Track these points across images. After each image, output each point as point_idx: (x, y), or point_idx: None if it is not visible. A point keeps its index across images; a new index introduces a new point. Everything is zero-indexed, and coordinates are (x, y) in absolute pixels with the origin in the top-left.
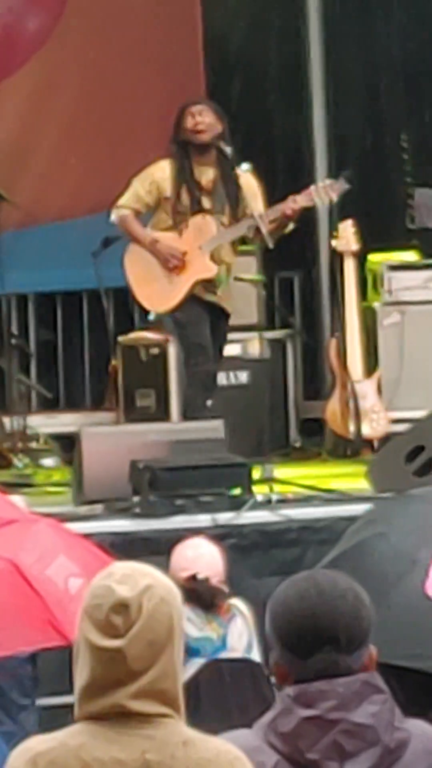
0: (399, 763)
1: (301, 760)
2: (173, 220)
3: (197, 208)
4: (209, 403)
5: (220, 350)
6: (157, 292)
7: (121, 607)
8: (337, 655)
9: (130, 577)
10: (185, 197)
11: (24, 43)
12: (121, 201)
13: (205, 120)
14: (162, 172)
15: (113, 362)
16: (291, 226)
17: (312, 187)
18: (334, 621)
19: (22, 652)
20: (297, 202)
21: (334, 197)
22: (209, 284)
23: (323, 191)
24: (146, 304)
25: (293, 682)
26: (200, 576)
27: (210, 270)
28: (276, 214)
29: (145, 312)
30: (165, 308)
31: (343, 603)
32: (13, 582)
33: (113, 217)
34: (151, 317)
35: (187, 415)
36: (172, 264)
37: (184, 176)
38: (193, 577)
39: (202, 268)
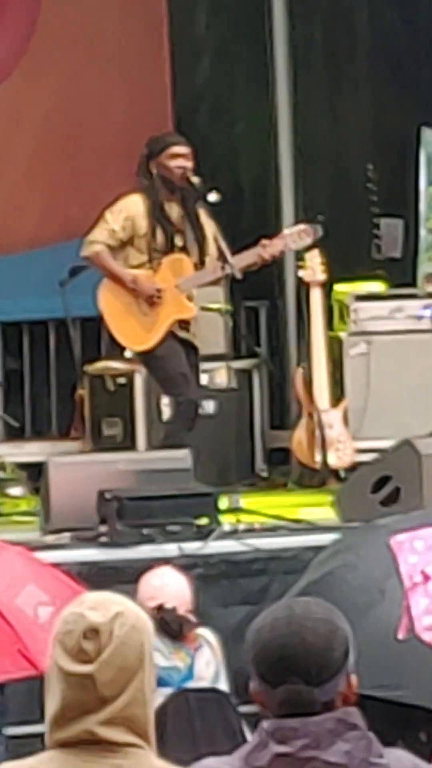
0: None
1: None
2: (148, 257)
3: (171, 247)
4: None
5: (198, 382)
6: (134, 330)
7: (92, 632)
8: (304, 686)
9: (102, 604)
10: (160, 235)
11: None
12: (94, 236)
13: (188, 164)
14: (136, 207)
15: (80, 391)
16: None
17: (286, 232)
18: (302, 652)
19: None
20: (273, 247)
21: (309, 242)
22: (184, 322)
23: (297, 236)
24: (123, 342)
25: (270, 711)
26: (167, 605)
27: (189, 310)
28: (249, 261)
29: (122, 349)
30: (143, 347)
31: (313, 634)
32: None
33: (85, 252)
34: (128, 354)
35: (168, 444)
36: (153, 302)
37: (157, 213)
38: (161, 607)
39: (180, 308)
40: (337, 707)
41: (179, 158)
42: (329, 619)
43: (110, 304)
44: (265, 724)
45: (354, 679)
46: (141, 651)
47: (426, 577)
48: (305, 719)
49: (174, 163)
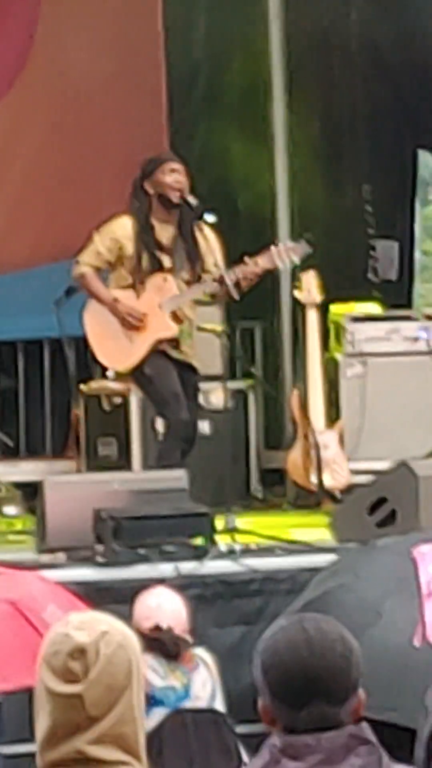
0: None
1: None
2: (132, 279)
3: (157, 267)
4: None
5: (196, 403)
6: (117, 351)
7: (79, 652)
8: (327, 707)
9: (87, 624)
10: (145, 258)
11: None
12: (82, 257)
13: (184, 180)
14: (124, 230)
15: (75, 411)
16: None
17: (273, 249)
18: (324, 675)
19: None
20: (258, 264)
21: (296, 260)
22: (172, 342)
23: (284, 253)
24: (105, 362)
25: (282, 728)
26: (164, 625)
27: (170, 329)
28: (237, 277)
29: (104, 369)
30: (124, 367)
31: (333, 654)
32: (16, 622)
33: (73, 273)
34: (110, 375)
35: (161, 465)
36: (132, 324)
37: (144, 237)
38: (157, 627)
39: (162, 327)
40: (348, 723)
41: (174, 173)
42: (344, 637)
43: (93, 325)
44: (276, 741)
45: (362, 694)
46: (128, 669)
47: None
48: (318, 735)
49: (170, 179)
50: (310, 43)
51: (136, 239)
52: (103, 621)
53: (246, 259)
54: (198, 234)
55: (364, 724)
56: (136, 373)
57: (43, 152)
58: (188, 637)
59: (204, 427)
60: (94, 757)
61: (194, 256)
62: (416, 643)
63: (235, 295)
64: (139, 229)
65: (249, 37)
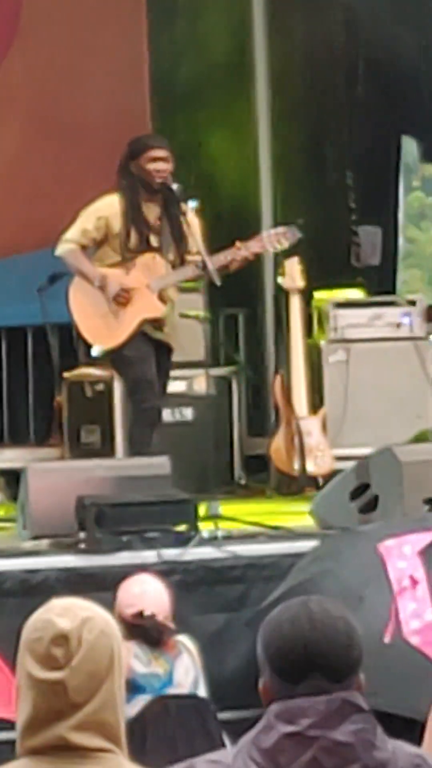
0: None
1: None
2: (121, 257)
3: (145, 247)
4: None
5: (164, 387)
6: (103, 328)
7: (61, 639)
8: (326, 683)
9: (69, 610)
10: (134, 235)
11: None
12: (68, 235)
13: (167, 167)
14: (111, 207)
15: (58, 398)
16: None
17: (264, 234)
18: (325, 649)
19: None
20: (249, 249)
21: (286, 245)
22: (157, 322)
23: (275, 239)
24: (91, 340)
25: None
26: (147, 612)
27: (158, 309)
28: (226, 260)
29: (89, 346)
30: (111, 345)
31: (334, 631)
32: None
33: (59, 250)
34: (95, 352)
35: (132, 452)
36: (121, 300)
37: (133, 214)
38: (140, 614)
39: (150, 307)
40: None
41: (158, 161)
42: (346, 616)
43: (79, 302)
44: (273, 707)
45: (362, 677)
46: (111, 656)
47: (414, 582)
48: (313, 698)
49: (152, 167)
50: (293, 32)
51: (124, 217)
52: (86, 607)
53: (237, 243)
54: (181, 217)
55: (357, 693)
56: (115, 354)
57: (26, 140)
58: (171, 624)
59: (187, 413)
60: (75, 743)
61: (180, 238)
62: (387, 639)
63: (217, 281)
64: (127, 207)
65: (232, 26)
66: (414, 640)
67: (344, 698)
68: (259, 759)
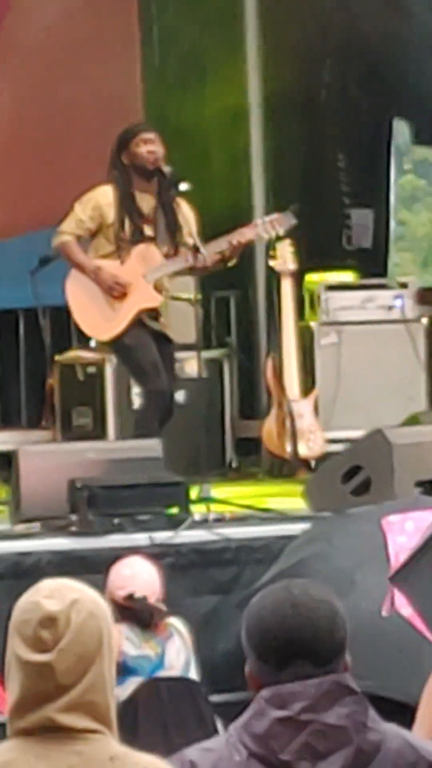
0: (372, 765)
1: (274, 761)
2: (116, 247)
3: (139, 237)
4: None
5: (173, 374)
6: (100, 320)
7: (49, 621)
8: (311, 668)
9: (58, 592)
10: (128, 225)
11: None
12: (63, 227)
13: (158, 150)
14: (105, 198)
15: (50, 381)
16: (234, 261)
17: (258, 221)
18: (308, 634)
19: None
20: (243, 235)
21: (281, 231)
22: (153, 312)
23: (269, 225)
24: (88, 332)
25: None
26: (138, 595)
27: (154, 299)
28: (221, 246)
29: (87, 339)
30: (107, 336)
31: (318, 616)
32: None
33: (55, 242)
34: (93, 344)
35: (139, 434)
36: (115, 293)
37: (127, 204)
38: (131, 596)
39: (146, 297)
40: None
41: (148, 143)
42: (329, 600)
43: (76, 294)
44: (264, 692)
45: (348, 659)
46: (99, 637)
47: None
48: (304, 682)
49: (143, 149)
50: (286, 13)
51: (118, 207)
52: (75, 589)
53: (234, 232)
54: (177, 204)
55: (348, 675)
56: (116, 344)
57: (17, 121)
58: (162, 607)
59: (179, 396)
60: (63, 725)
61: (174, 228)
62: (384, 613)
63: (211, 269)
64: (121, 197)
65: (224, 6)
66: (405, 612)
67: (334, 681)
68: (252, 745)
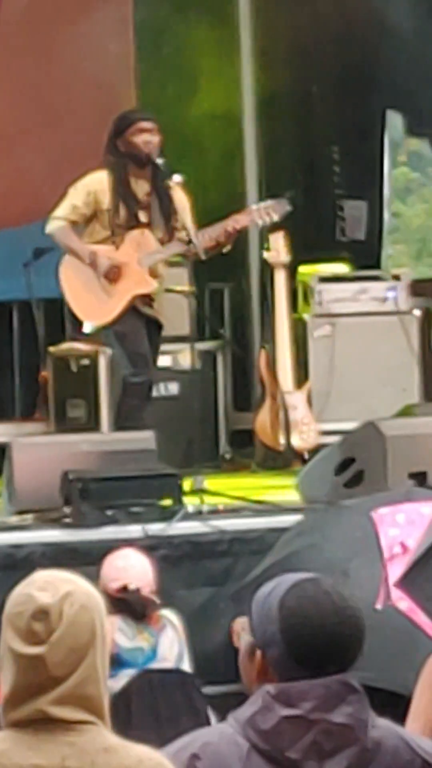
0: (375, 762)
1: (280, 758)
2: (111, 232)
3: (134, 222)
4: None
5: (154, 362)
6: (94, 305)
7: (42, 613)
8: (336, 671)
9: (51, 584)
10: (123, 211)
11: None
12: (57, 212)
13: (154, 139)
14: (100, 183)
15: (43, 373)
16: (228, 247)
17: (253, 207)
18: (350, 645)
19: None
20: (238, 222)
21: (276, 218)
22: (146, 298)
23: (264, 212)
24: (83, 317)
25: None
26: (131, 586)
27: (149, 284)
28: (216, 233)
29: (80, 323)
30: (103, 321)
31: (357, 622)
32: None
33: (48, 228)
34: (87, 329)
35: (125, 426)
36: (111, 277)
37: (121, 189)
38: (124, 588)
39: (141, 283)
40: None
41: (145, 133)
42: (355, 604)
43: (70, 280)
44: (270, 688)
45: None
46: (92, 630)
47: (405, 549)
48: (312, 681)
49: (140, 139)
50: (280, 8)
51: (113, 192)
52: (68, 581)
53: (230, 218)
54: (172, 191)
55: (351, 673)
56: (108, 330)
57: (10, 115)
58: (156, 598)
59: (172, 388)
60: (56, 717)
61: (168, 214)
62: (378, 605)
63: (202, 256)
64: (115, 183)
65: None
66: (402, 605)
67: (341, 680)
68: (256, 740)
